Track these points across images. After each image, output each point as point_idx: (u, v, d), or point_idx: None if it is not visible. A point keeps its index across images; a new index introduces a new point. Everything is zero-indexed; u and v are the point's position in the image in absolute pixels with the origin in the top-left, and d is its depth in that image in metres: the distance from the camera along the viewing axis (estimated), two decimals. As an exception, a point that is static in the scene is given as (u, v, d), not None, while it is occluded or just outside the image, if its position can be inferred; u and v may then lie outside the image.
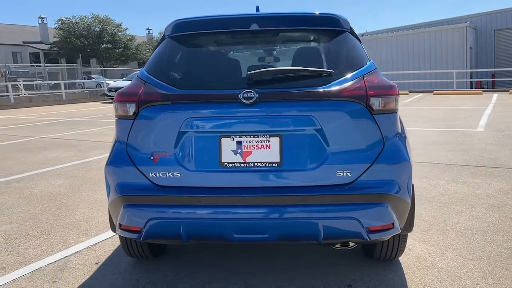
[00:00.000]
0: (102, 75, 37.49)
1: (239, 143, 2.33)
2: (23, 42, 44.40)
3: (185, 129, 2.35)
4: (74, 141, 9.58)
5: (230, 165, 2.34)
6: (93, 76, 36.64)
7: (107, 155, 2.57)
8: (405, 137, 2.56)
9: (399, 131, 2.47)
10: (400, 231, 2.44)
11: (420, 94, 22.70)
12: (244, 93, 2.29)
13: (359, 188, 2.31)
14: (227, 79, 2.49)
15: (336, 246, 2.58)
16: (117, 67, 44.81)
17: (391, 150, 2.36)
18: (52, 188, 5.45)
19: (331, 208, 2.29)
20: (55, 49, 42.89)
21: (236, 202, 2.33)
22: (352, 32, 2.70)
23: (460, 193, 4.61)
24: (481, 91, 22.37)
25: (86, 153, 7.88)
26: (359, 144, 2.33)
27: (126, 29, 45.93)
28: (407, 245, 3.22)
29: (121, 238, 2.91)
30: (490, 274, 2.81)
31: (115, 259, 3.24)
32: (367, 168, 2.31)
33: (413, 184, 2.56)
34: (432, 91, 23.41)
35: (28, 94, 26.39)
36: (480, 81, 26.75)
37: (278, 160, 2.32)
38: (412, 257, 3.10)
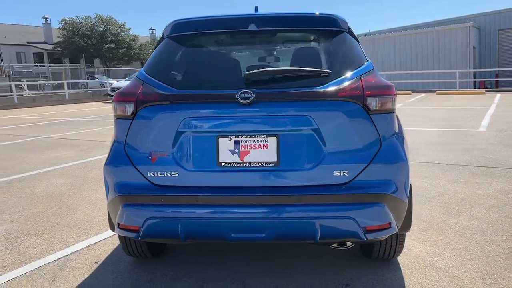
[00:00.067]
0: (106, 75, 37.59)
1: (236, 143, 2.35)
2: (27, 42, 44.58)
3: (183, 129, 2.36)
4: (76, 140, 9.62)
5: (228, 164, 2.35)
6: (96, 76, 36.77)
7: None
8: (402, 137, 2.56)
9: (397, 131, 2.48)
10: (398, 230, 2.45)
11: (423, 94, 22.65)
12: (241, 93, 2.30)
13: (356, 188, 2.31)
14: (225, 79, 2.50)
15: (333, 245, 2.59)
16: (120, 67, 44.94)
17: (388, 150, 2.36)
18: (53, 187, 5.48)
19: (328, 208, 2.29)
20: (58, 49, 43.06)
21: (233, 202, 2.34)
22: (350, 32, 2.70)
23: (460, 193, 4.60)
24: (484, 91, 22.29)
25: (88, 152, 7.91)
26: (356, 144, 2.34)
27: (130, 29, 46.12)
28: (405, 245, 3.23)
29: (120, 237, 2.93)
30: (488, 274, 2.81)
31: (114, 258, 3.25)
32: (364, 168, 2.32)
33: (410, 184, 2.57)
34: (435, 91, 23.35)
35: (32, 94, 26.50)
36: (484, 81, 26.63)
37: (275, 160, 2.33)
38: (411, 257, 3.10)
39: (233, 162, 2.35)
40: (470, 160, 6.23)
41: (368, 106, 2.33)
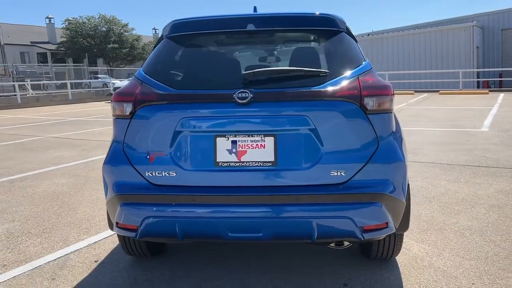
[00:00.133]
0: (109, 75, 37.71)
1: (234, 142, 2.35)
2: (31, 42, 44.77)
3: (181, 128, 2.37)
4: (78, 140, 9.66)
5: (225, 164, 2.36)
6: (99, 76, 36.90)
7: None
8: (400, 137, 2.56)
9: (394, 131, 2.48)
10: (395, 230, 2.45)
11: (426, 94, 22.60)
12: (238, 93, 2.31)
13: (353, 188, 2.32)
14: (222, 79, 2.50)
15: (330, 245, 2.59)
16: (124, 67, 45.08)
17: (385, 149, 2.36)
18: (55, 187, 5.50)
19: (325, 208, 2.30)
20: (62, 49, 43.23)
21: (231, 201, 2.34)
22: (348, 32, 2.71)
23: (461, 193, 4.60)
24: (488, 90, 22.21)
25: (90, 152, 7.94)
26: (353, 144, 2.34)
27: (133, 29, 46.27)
28: (404, 245, 3.23)
29: (119, 236, 2.95)
30: (486, 274, 2.81)
31: (114, 257, 3.27)
32: (361, 168, 2.32)
33: (408, 184, 2.57)
34: (438, 91, 23.29)
35: (35, 93, 26.64)
36: (487, 80, 26.55)
37: (272, 159, 2.33)
38: (409, 256, 3.10)
39: (231, 162, 2.35)
40: (471, 160, 6.21)
41: (365, 106, 2.33)
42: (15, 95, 23.80)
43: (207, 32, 2.69)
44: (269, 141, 2.33)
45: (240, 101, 2.30)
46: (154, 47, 2.81)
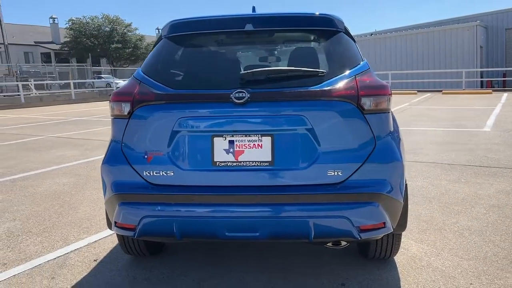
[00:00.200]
0: (112, 75, 37.82)
1: (231, 142, 2.36)
2: (35, 42, 44.95)
3: (178, 128, 2.38)
4: (81, 140, 9.69)
5: (223, 164, 2.36)
6: (103, 76, 37.01)
7: None
8: (398, 137, 2.56)
9: (392, 130, 2.48)
10: (393, 230, 2.45)
11: (429, 94, 22.54)
12: (236, 93, 2.31)
13: (350, 188, 2.32)
14: (220, 79, 2.51)
15: (328, 245, 2.59)
16: (127, 66, 45.16)
17: (383, 149, 2.36)
18: (56, 186, 5.53)
19: (322, 207, 2.30)
20: (66, 49, 43.38)
21: (228, 201, 2.35)
22: (346, 32, 2.71)
23: (461, 193, 4.59)
24: (491, 90, 22.13)
25: (92, 152, 7.98)
26: (350, 143, 2.34)
27: (136, 29, 46.35)
28: (403, 244, 3.23)
29: (118, 235, 2.96)
30: (484, 274, 2.80)
31: (113, 256, 3.28)
32: (358, 168, 2.32)
33: (406, 184, 2.57)
34: (441, 91, 23.23)
35: (39, 93, 26.75)
36: (491, 80, 26.45)
37: (269, 159, 2.34)
38: (408, 256, 3.10)
39: (228, 162, 2.36)
40: (472, 160, 6.20)
41: (362, 106, 2.34)
42: (18, 95, 23.91)
43: (205, 32, 2.70)
44: (266, 141, 2.34)
45: (237, 101, 2.31)
46: (153, 47, 2.83)
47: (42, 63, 40.39)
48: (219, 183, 2.38)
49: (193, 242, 3.34)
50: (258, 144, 2.34)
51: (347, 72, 2.44)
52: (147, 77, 2.56)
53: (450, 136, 8.43)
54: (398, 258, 3.06)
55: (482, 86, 25.73)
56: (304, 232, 2.32)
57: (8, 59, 30.10)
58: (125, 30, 44.29)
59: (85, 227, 3.94)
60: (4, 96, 25.27)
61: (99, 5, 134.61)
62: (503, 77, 26.23)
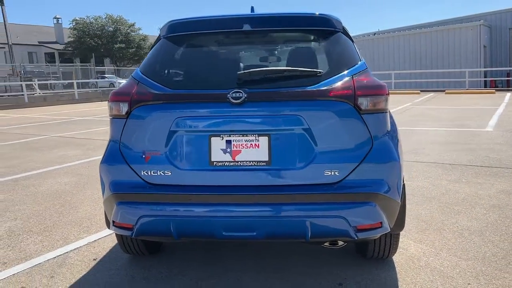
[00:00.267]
0: (116, 75, 37.92)
1: (228, 142, 2.37)
2: (39, 42, 45.14)
3: (176, 128, 2.39)
4: (83, 139, 9.73)
5: (220, 164, 2.37)
6: (106, 75, 37.11)
7: None
8: (395, 136, 2.56)
9: (389, 130, 2.48)
10: (390, 230, 2.45)
11: (432, 94, 22.48)
12: (233, 93, 2.32)
13: (347, 187, 2.32)
14: (217, 79, 2.52)
15: (324, 244, 2.60)
16: (130, 66, 45.27)
17: (380, 149, 2.36)
18: (58, 186, 5.55)
19: (319, 207, 2.30)
20: (69, 49, 43.57)
21: (225, 200, 2.36)
22: (344, 32, 2.71)
23: (461, 193, 4.58)
24: (494, 90, 22.04)
25: (94, 151, 8.01)
26: (347, 143, 2.34)
27: (139, 29, 46.51)
28: (401, 244, 3.23)
29: (117, 235, 2.97)
30: (483, 274, 2.80)
31: (112, 255, 3.30)
32: (355, 168, 2.33)
33: (404, 184, 2.57)
34: (444, 91, 23.15)
35: (42, 93, 26.83)
36: (495, 80, 26.33)
37: (266, 159, 2.34)
38: (406, 256, 3.10)
39: (225, 161, 2.37)
40: (474, 160, 6.18)
41: (359, 106, 2.34)
42: (22, 94, 24.01)
43: (204, 32, 2.71)
44: (263, 141, 2.34)
45: (234, 101, 2.32)
46: (152, 47, 2.84)
47: (46, 63, 40.54)
48: (216, 182, 2.39)
49: (191, 241, 3.36)
50: (255, 144, 2.35)
51: (344, 72, 2.44)
52: (145, 77, 2.57)
53: (452, 136, 8.40)
54: (397, 258, 3.06)
55: (485, 86, 25.62)
56: (300, 232, 2.33)
57: (12, 59, 30.24)
58: (128, 30, 44.44)
59: (85, 227, 3.96)
60: (8, 96, 25.41)
61: (102, 5, 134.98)
62: (507, 77, 26.11)
